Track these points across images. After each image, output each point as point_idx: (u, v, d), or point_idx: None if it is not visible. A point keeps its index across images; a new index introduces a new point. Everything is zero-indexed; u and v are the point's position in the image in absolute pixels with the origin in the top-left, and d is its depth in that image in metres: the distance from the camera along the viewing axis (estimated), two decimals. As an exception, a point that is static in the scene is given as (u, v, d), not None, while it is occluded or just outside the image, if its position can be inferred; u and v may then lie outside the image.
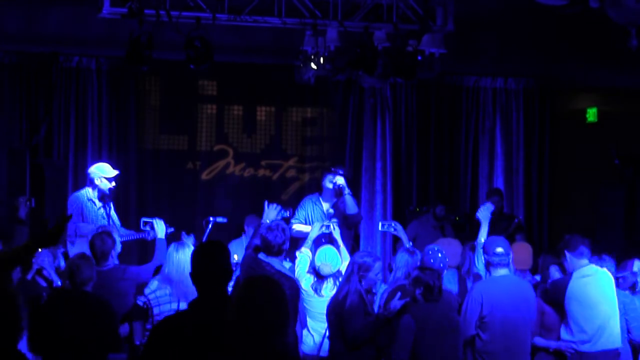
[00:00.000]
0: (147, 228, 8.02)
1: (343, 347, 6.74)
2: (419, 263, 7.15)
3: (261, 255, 6.95)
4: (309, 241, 8.07)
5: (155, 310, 6.58)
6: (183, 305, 6.52)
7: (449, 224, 10.84)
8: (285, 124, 11.94)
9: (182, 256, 6.60)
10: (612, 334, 7.24)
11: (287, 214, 7.99)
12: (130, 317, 6.76)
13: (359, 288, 6.75)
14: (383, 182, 11.94)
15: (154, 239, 8.30)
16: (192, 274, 4.21)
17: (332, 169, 9.60)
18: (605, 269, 7.42)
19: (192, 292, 6.28)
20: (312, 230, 8.27)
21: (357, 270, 6.80)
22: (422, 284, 6.63)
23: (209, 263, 4.17)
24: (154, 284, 6.66)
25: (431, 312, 6.58)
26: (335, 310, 6.80)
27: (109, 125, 11.34)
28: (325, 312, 7.34)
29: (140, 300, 6.63)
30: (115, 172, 9.26)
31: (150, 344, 4.13)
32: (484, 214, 7.90)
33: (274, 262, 6.89)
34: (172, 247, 6.77)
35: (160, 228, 7.70)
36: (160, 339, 4.05)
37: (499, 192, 11.14)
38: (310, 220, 9.42)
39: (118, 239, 7.48)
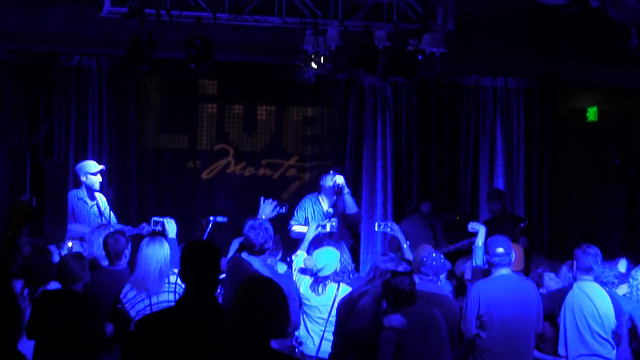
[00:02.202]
0: (158, 227, 8.02)
1: (343, 345, 6.73)
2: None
3: (244, 254, 6.93)
4: (306, 242, 8.05)
5: (132, 313, 6.55)
6: (154, 300, 6.49)
7: (439, 223, 10.78)
8: (285, 123, 11.94)
9: (150, 251, 6.60)
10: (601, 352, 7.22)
11: (283, 210, 7.97)
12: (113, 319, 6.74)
13: (379, 293, 6.72)
14: (383, 182, 11.94)
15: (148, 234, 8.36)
16: (179, 272, 4.22)
17: (331, 172, 9.61)
18: (604, 291, 7.28)
19: (154, 287, 6.35)
20: (309, 232, 8.26)
21: (379, 275, 6.76)
22: (390, 289, 6.58)
23: (196, 262, 4.18)
24: (126, 286, 6.64)
25: (408, 317, 6.53)
26: (347, 306, 6.78)
27: (109, 125, 11.34)
28: (322, 314, 7.34)
29: (119, 305, 6.62)
30: (99, 167, 9.38)
31: (133, 339, 4.13)
32: (475, 225, 7.97)
33: (254, 261, 6.85)
34: (143, 242, 6.77)
35: (171, 227, 7.70)
36: (144, 334, 4.05)
37: (498, 194, 11.10)
38: (310, 219, 9.43)
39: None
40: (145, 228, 8.59)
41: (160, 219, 7.90)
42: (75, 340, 6.24)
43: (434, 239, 10.43)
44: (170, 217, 7.88)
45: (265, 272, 6.82)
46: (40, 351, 6.32)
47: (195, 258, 4.23)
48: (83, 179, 9.38)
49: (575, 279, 7.31)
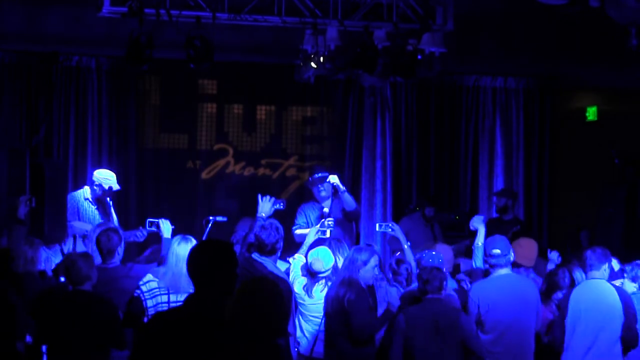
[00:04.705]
0: (153, 228, 8.02)
1: (348, 344, 6.74)
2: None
3: (255, 255, 6.92)
4: (305, 247, 8.06)
5: (149, 303, 6.52)
6: (173, 298, 6.44)
7: (437, 224, 10.83)
8: (285, 123, 11.94)
9: (182, 250, 6.56)
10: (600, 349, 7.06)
11: (281, 206, 7.94)
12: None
13: (360, 283, 6.77)
14: (383, 181, 11.94)
15: (144, 240, 8.35)
16: (188, 270, 4.22)
17: (311, 179, 9.53)
18: (607, 283, 7.14)
19: (184, 287, 6.32)
20: (309, 236, 8.27)
21: (355, 264, 6.82)
22: (423, 282, 6.66)
23: (205, 260, 4.18)
24: (147, 276, 6.60)
25: (422, 311, 6.56)
26: (335, 307, 6.79)
27: (109, 125, 11.34)
28: (316, 313, 7.34)
29: (136, 293, 6.58)
30: (116, 187, 9.34)
31: (141, 337, 4.13)
32: (476, 223, 7.95)
33: (267, 262, 6.85)
34: (175, 239, 6.74)
35: (166, 228, 7.69)
36: (151, 332, 4.06)
37: (505, 193, 11.05)
38: (311, 223, 9.42)
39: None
40: (140, 233, 8.56)
41: (155, 220, 7.89)
42: (88, 340, 6.22)
43: (433, 239, 10.44)
44: (166, 217, 7.87)
45: (279, 272, 6.84)
46: (54, 354, 6.30)
47: (200, 257, 4.23)
48: (97, 183, 9.30)
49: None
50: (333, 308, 6.81)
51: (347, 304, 6.69)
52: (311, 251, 7.60)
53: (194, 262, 4.16)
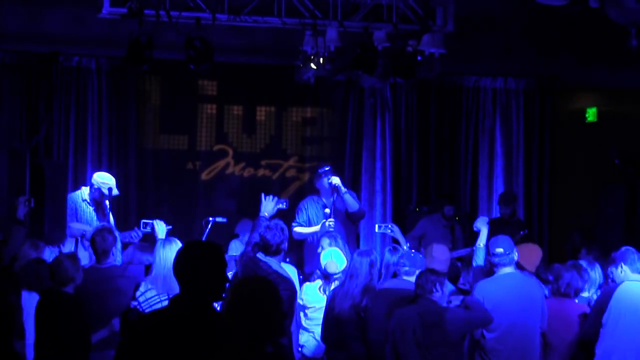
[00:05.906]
0: (148, 229, 8.00)
1: (363, 347, 6.77)
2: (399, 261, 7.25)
3: (259, 255, 6.94)
4: (323, 259, 8.03)
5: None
6: None
7: (458, 224, 10.82)
8: (285, 124, 11.94)
9: (169, 252, 6.55)
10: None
11: (284, 205, 7.95)
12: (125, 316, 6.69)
13: (375, 287, 6.81)
14: (383, 182, 11.94)
15: (140, 240, 8.35)
16: (174, 271, 4.23)
17: (319, 171, 9.52)
18: None
19: (177, 288, 6.32)
20: (318, 230, 8.30)
21: (369, 267, 6.84)
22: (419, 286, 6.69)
23: (189, 261, 4.19)
24: (142, 286, 6.59)
25: (410, 312, 6.60)
26: (351, 314, 6.80)
27: (109, 125, 11.35)
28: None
29: (132, 304, 6.56)
30: (115, 192, 9.24)
31: (125, 338, 4.14)
32: (480, 224, 7.93)
33: (272, 262, 6.87)
34: (159, 243, 6.74)
35: (160, 229, 7.68)
36: (135, 333, 4.07)
37: (508, 201, 11.03)
38: (313, 221, 9.41)
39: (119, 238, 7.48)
40: (135, 234, 8.56)
41: (149, 221, 7.89)
42: (64, 343, 6.22)
43: (452, 241, 10.43)
44: (164, 219, 7.87)
45: (284, 272, 6.86)
46: (39, 356, 6.32)
47: (185, 258, 4.23)
48: (95, 186, 9.25)
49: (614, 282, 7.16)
50: (349, 313, 6.83)
51: (365, 311, 6.73)
52: (324, 253, 7.62)
53: (180, 263, 4.17)
